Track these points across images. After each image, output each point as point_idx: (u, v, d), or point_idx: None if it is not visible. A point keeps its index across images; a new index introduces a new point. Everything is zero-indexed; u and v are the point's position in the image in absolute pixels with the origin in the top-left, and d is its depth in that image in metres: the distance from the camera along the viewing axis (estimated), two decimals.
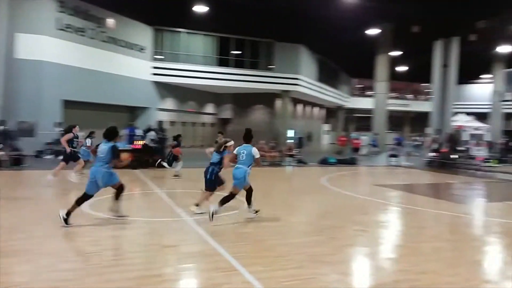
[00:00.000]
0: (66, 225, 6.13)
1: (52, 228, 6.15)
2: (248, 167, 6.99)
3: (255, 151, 7.01)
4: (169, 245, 5.63)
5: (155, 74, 24.86)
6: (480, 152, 19.79)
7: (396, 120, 46.08)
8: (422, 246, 6.05)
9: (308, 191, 11.36)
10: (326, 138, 43.37)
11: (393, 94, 42.13)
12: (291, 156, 19.21)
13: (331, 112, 44.14)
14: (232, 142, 7.66)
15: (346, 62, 36.06)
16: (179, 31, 25.89)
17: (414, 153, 25.20)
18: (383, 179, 14.88)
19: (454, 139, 20.27)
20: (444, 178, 15.25)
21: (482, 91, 40.59)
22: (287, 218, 7.60)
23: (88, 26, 20.37)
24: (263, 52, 28.37)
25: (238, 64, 27.29)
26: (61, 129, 18.53)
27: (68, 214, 6.20)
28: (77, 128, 10.99)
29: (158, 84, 25.21)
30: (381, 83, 28.15)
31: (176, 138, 13.35)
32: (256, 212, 7.21)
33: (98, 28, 20.94)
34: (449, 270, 4.93)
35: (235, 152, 7.13)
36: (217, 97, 31.75)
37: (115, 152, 6.42)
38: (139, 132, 16.80)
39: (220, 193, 7.62)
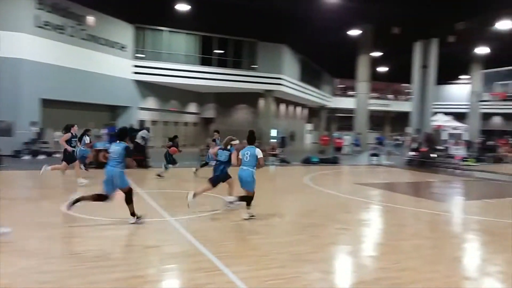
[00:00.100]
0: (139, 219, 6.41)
1: (34, 230, 6.03)
2: (253, 168, 7.15)
3: (258, 152, 7.15)
4: (152, 246, 5.58)
5: (136, 72, 24.57)
6: (459, 151, 20.23)
7: (377, 120, 46.73)
8: (402, 244, 6.15)
9: (291, 190, 11.41)
10: (308, 137, 43.65)
11: (374, 94, 42.71)
12: (274, 155, 19.26)
13: (314, 112, 44.46)
14: (237, 140, 7.91)
15: (328, 62, 36.38)
16: (161, 30, 25.65)
17: (395, 152, 25.59)
18: (365, 178, 15.06)
19: (431, 139, 20.65)
20: (424, 177, 15.53)
21: (460, 92, 41.52)
22: (270, 218, 7.61)
23: (68, 23, 19.98)
24: (246, 51, 28.35)
25: (221, 63, 27.20)
26: (37, 128, 18.19)
27: (133, 214, 6.46)
28: (75, 127, 10.93)
29: (139, 83, 24.93)
30: (362, 83, 28.49)
31: (173, 139, 13.17)
32: (252, 216, 7.20)
33: (77, 25, 20.56)
34: (429, 267, 5.03)
35: (239, 155, 7.29)
36: (200, 96, 31.60)
37: (128, 152, 6.49)
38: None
39: (202, 192, 7.54)
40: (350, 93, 42.47)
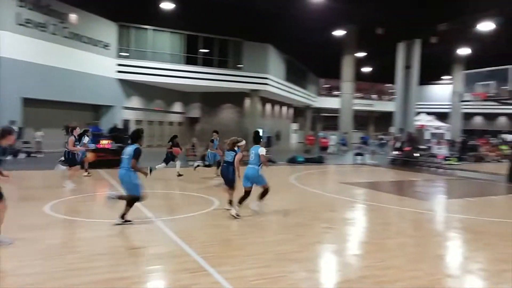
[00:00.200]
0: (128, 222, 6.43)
1: (17, 231, 5.89)
2: (259, 166, 7.47)
3: (260, 150, 7.46)
4: (137, 247, 5.52)
5: (120, 71, 24.29)
6: (441, 151, 20.56)
7: (361, 120, 47.19)
8: (387, 242, 6.21)
9: (276, 190, 11.39)
10: (294, 137, 43.81)
11: (359, 94, 43.13)
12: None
13: (299, 112, 44.64)
14: (244, 142, 8.12)
15: (313, 62, 36.58)
16: (145, 28, 25.40)
17: (379, 151, 25.87)
18: (350, 177, 15.18)
19: (413, 138, 20.95)
20: (407, 176, 15.74)
21: (442, 92, 42.24)
22: (255, 217, 7.61)
23: (50, 21, 19.63)
24: (232, 51, 28.29)
25: (206, 62, 27.08)
26: (15, 127, 17.81)
27: (123, 216, 6.46)
28: (77, 129, 10.95)
29: (123, 82, 24.64)
30: (347, 83, 28.72)
31: (172, 139, 13.12)
32: (238, 215, 7.27)
33: (60, 23, 20.21)
34: (412, 265, 5.09)
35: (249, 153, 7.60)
36: (185, 95, 31.42)
37: (136, 154, 6.48)
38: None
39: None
40: (335, 93, 42.78)
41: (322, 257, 5.61)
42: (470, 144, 25.48)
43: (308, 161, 19.82)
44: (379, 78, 42.71)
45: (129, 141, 6.81)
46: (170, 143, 13.09)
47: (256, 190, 7.69)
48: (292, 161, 19.34)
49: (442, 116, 36.13)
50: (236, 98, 30.48)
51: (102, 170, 13.51)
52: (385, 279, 4.59)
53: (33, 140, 18.58)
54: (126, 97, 25.36)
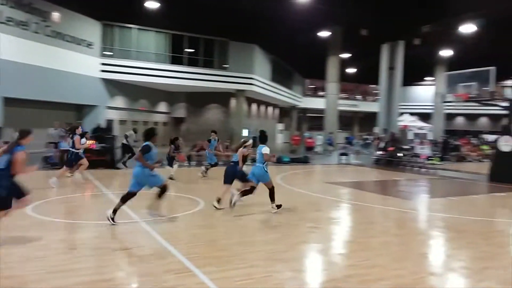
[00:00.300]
0: (113, 223, 6.46)
1: None
2: (264, 164, 7.83)
3: (264, 149, 7.84)
4: (120, 248, 5.45)
5: (103, 71, 23.98)
6: (424, 151, 20.87)
7: (346, 120, 47.61)
8: (371, 241, 6.27)
9: (262, 190, 11.40)
10: (280, 137, 43.93)
11: (344, 95, 43.50)
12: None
13: (285, 112, 44.78)
14: (251, 142, 8.55)
15: (299, 63, 36.73)
16: (130, 27, 25.13)
17: (363, 151, 26.11)
18: (335, 177, 15.29)
19: (395, 138, 21.23)
20: (391, 176, 15.93)
21: (425, 93, 42.90)
22: (240, 217, 7.60)
23: (32, 19, 19.24)
24: (217, 51, 28.20)
25: (192, 62, 26.93)
26: None
27: (114, 212, 6.55)
28: (80, 129, 11.23)
29: (107, 81, 24.32)
30: (332, 84, 28.92)
31: (174, 141, 12.72)
32: (233, 204, 7.73)
33: (42, 22, 19.82)
34: (396, 263, 5.15)
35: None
36: (170, 95, 31.20)
37: (142, 150, 6.67)
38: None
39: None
40: (321, 93, 43.06)
41: (307, 257, 5.64)
42: (452, 144, 25.91)
43: (294, 161, 19.89)
44: (363, 79, 43.14)
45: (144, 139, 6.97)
46: (172, 146, 12.63)
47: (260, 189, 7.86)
48: (278, 161, 19.35)
49: (425, 117, 36.68)
50: (221, 98, 30.40)
51: (85, 170, 13.30)
52: (369, 277, 4.63)
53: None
54: (110, 97, 25.05)
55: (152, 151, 6.75)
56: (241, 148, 8.26)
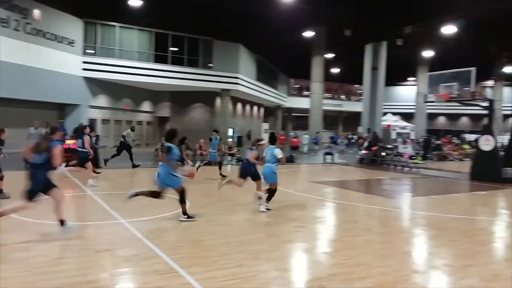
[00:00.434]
0: (192, 219, 6.95)
1: None
2: (273, 164, 8.09)
3: (277, 152, 8.11)
4: (104, 250, 5.37)
5: (86, 69, 23.62)
6: (407, 150, 21.16)
7: (331, 120, 47.99)
8: (355, 240, 6.33)
9: (247, 189, 11.40)
10: (265, 136, 43.98)
11: (328, 95, 43.82)
12: (231, 154, 19.22)
13: (270, 111, 44.86)
14: (264, 141, 8.79)
15: (283, 62, 36.82)
16: (113, 25, 24.81)
17: (348, 151, 26.36)
18: (319, 176, 15.39)
19: (376, 138, 21.51)
20: (375, 175, 16.11)
21: (408, 93, 43.51)
22: (226, 217, 7.59)
23: (12, 16, 18.83)
24: (202, 50, 28.05)
25: (176, 61, 26.74)
26: None
27: (185, 213, 6.97)
28: (87, 129, 11.53)
29: (89, 80, 23.97)
30: (316, 84, 29.07)
31: (183, 141, 12.79)
32: (269, 209, 8.06)
33: (22, 19, 19.42)
34: (380, 261, 5.20)
35: (263, 154, 8.32)
36: (154, 94, 30.92)
37: (168, 151, 6.87)
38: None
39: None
40: (305, 93, 43.29)
41: (293, 256, 5.65)
42: (433, 143, 26.33)
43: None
44: (347, 79, 43.56)
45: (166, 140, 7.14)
46: (183, 145, 12.74)
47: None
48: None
49: (407, 116, 37.23)
50: (206, 97, 30.27)
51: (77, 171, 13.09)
52: (354, 276, 4.67)
53: None
54: (93, 96, 24.69)
55: (174, 151, 6.95)
56: (253, 154, 8.53)
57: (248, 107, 38.17)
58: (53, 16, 21.26)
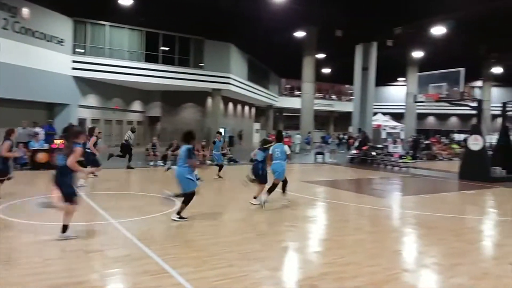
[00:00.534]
0: (184, 219, 6.94)
1: None
2: (284, 160, 8.58)
3: (287, 149, 8.66)
4: (94, 250, 5.33)
5: (75, 68, 23.39)
6: (397, 150, 21.33)
7: (322, 119, 48.18)
8: (346, 239, 6.36)
9: (239, 189, 11.41)
10: (256, 136, 43.98)
11: (319, 95, 43.99)
12: (222, 154, 19.14)
13: (261, 111, 44.88)
14: (272, 144, 9.06)
15: (275, 62, 36.86)
16: (103, 24, 24.60)
17: (338, 150, 26.46)
18: (311, 176, 15.42)
19: (365, 137, 21.65)
20: (365, 174, 16.20)
21: (398, 93, 43.85)
22: (217, 217, 7.58)
23: (0, 15, 18.52)
24: (193, 49, 27.95)
25: (167, 61, 26.61)
26: None
27: (179, 213, 6.97)
28: (97, 130, 11.62)
29: (79, 79, 23.73)
30: (307, 84, 29.18)
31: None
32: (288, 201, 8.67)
33: (11, 17, 19.14)
34: (371, 260, 5.23)
35: (270, 151, 8.67)
36: (145, 94, 30.73)
37: (189, 154, 7.04)
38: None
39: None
40: (297, 93, 43.40)
41: (284, 255, 5.65)
42: (422, 143, 26.55)
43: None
44: (338, 79, 43.73)
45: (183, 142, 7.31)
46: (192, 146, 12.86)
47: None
48: (253, 160, 19.40)
49: (397, 116, 37.52)
50: (198, 97, 30.17)
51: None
52: (345, 275, 4.69)
53: None
54: (82, 95, 24.46)
55: (193, 153, 7.26)
56: (269, 156, 8.79)
57: (239, 107, 38.13)
58: (42, 14, 21.02)
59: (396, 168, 18.39)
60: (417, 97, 17.25)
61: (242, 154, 20.80)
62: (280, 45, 28.18)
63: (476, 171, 14.17)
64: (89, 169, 10.25)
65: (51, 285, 4.14)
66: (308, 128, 28.87)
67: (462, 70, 15.16)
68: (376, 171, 17.35)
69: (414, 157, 21.89)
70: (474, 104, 16.49)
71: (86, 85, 24.41)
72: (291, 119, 47.73)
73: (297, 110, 32.49)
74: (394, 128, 31.37)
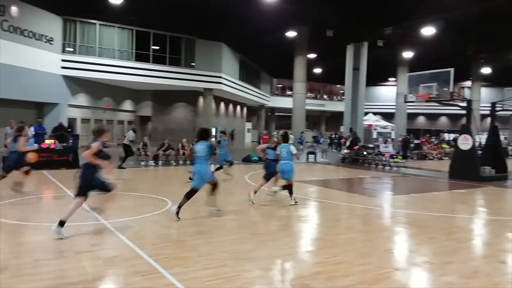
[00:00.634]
0: (178, 218, 6.97)
1: None
2: (291, 160, 8.84)
3: (293, 149, 8.90)
4: (85, 251, 5.27)
5: (65, 67, 23.17)
6: (388, 149, 21.45)
7: (313, 119, 48.33)
8: (338, 238, 6.38)
9: (231, 189, 11.40)
10: (248, 136, 44.00)
11: (311, 95, 44.09)
12: (214, 154, 19.11)
13: (253, 111, 44.87)
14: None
15: (266, 62, 36.89)
16: (93, 23, 24.40)
17: (330, 150, 26.55)
18: (303, 175, 15.40)
19: (357, 138, 21.77)
20: (356, 174, 16.28)
21: (388, 93, 44.15)
22: (209, 217, 7.55)
23: None
24: (184, 48, 27.85)
25: (158, 60, 26.48)
26: None
27: (179, 207, 7.06)
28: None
29: (68, 78, 23.53)
30: (299, 84, 29.24)
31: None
32: (296, 202, 8.80)
33: (0, 16, 18.96)
34: (362, 259, 5.25)
35: (277, 151, 8.97)
36: (136, 93, 30.56)
37: (211, 150, 7.47)
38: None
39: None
40: (288, 93, 43.46)
41: (276, 255, 5.65)
42: (412, 142, 26.74)
43: (263, 160, 19.93)
44: (330, 79, 43.89)
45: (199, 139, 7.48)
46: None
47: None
48: (247, 160, 19.40)
49: (388, 116, 37.79)
50: (189, 96, 30.08)
51: (46, 171, 12.84)
52: (337, 274, 4.70)
53: None
54: (72, 95, 24.25)
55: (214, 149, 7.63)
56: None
57: (231, 106, 38.10)
58: (31, 13, 20.79)
59: (387, 168, 18.51)
60: (408, 97, 17.36)
61: (234, 154, 20.74)
62: (272, 45, 28.21)
63: (466, 170, 14.30)
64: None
65: (41, 286, 4.09)
66: (300, 128, 28.93)
67: (451, 70, 15.29)
68: (368, 171, 17.45)
69: (404, 157, 22.05)
70: (464, 104, 16.65)
71: (76, 84, 24.20)
72: (283, 118, 47.84)
73: (288, 110, 32.55)
74: (385, 128, 31.60)
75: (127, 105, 30.48)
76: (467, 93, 42.45)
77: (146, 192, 9.81)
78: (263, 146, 10.06)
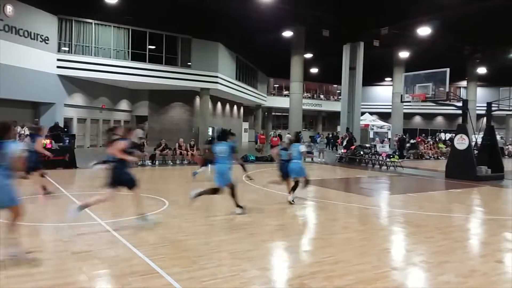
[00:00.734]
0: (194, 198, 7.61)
1: None
2: (301, 159, 9.04)
3: (301, 147, 9.16)
4: (82, 251, 5.25)
5: (60, 67, 23.06)
6: (384, 149, 21.53)
7: (310, 119, 48.38)
8: (335, 238, 6.39)
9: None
10: (245, 136, 43.97)
11: (307, 94, 44.12)
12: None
13: (250, 111, 44.84)
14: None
15: (263, 62, 36.86)
16: (89, 22, 24.30)
17: (327, 150, 26.58)
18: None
19: (353, 137, 21.80)
20: (353, 173, 16.31)
21: (385, 93, 44.24)
22: (207, 217, 7.54)
23: None
24: (180, 48, 27.78)
25: (154, 59, 26.39)
26: None
27: (200, 195, 7.66)
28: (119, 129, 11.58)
29: (64, 78, 23.41)
30: (296, 83, 29.19)
31: (210, 142, 13.41)
32: (293, 200, 8.93)
33: None
34: (360, 259, 5.26)
35: (289, 151, 9.17)
36: (132, 93, 30.45)
37: (234, 150, 7.75)
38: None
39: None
40: (285, 92, 43.47)
41: (273, 255, 5.66)
42: (407, 141, 26.81)
43: (260, 159, 19.96)
44: (326, 79, 43.92)
45: (214, 140, 8.03)
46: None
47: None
48: (244, 159, 19.38)
49: (384, 116, 37.87)
50: (186, 96, 30.00)
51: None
52: (334, 273, 4.71)
53: None
54: (68, 94, 24.13)
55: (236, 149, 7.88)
56: (274, 150, 9.59)
57: (227, 106, 38.04)
58: (26, 12, 20.67)
59: (384, 167, 18.55)
60: (404, 97, 17.41)
61: None
62: (268, 45, 28.18)
63: (463, 170, 14.37)
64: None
65: (39, 286, 4.07)
66: (297, 127, 28.89)
67: (447, 70, 15.35)
68: (364, 170, 17.48)
69: (401, 156, 22.13)
70: (460, 104, 16.72)
71: (72, 83, 24.10)
72: (279, 118, 47.87)
73: (285, 110, 32.54)
74: (381, 127, 31.68)
75: (124, 104, 30.37)
76: (463, 93, 42.63)
77: (143, 192, 9.75)
78: (277, 150, 10.27)
